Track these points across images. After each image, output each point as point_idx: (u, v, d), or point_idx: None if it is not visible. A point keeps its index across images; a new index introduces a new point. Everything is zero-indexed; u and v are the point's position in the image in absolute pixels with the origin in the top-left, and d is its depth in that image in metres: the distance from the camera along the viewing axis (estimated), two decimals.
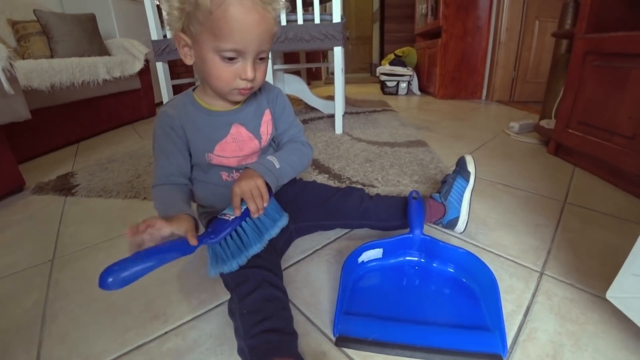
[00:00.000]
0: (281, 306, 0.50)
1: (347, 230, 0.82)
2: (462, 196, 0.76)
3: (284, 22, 1.51)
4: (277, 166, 0.60)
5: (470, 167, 0.77)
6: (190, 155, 0.63)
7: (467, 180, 0.77)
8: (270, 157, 0.61)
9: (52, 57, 1.93)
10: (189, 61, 0.56)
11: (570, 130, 1.19)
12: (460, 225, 0.76)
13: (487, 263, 0.58)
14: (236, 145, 0.63)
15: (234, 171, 0.66)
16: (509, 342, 0.50)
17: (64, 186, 1.18)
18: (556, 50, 1.63)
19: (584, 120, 1.14)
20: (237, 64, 0.52)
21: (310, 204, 0.75)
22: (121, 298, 0.63)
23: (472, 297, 0.58)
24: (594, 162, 1.12)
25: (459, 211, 0.76)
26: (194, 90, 0.64)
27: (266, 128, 0.67)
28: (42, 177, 1.30)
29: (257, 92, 0.67)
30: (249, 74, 0.53)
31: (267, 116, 0.68)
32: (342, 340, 0.51)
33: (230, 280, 0.54)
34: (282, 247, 0.72)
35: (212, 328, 0.55)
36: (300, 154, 0.67)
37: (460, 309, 0.56)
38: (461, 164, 0.79)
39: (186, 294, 0.63)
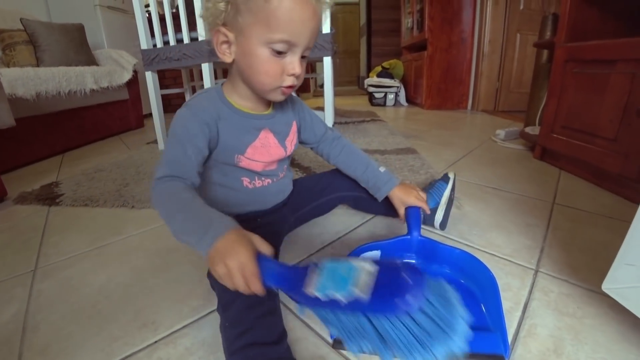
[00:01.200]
0: (264, 312, 0.45)
1: (342, 233, 0.82)
2: (442, 192, 0.80)
3: None
4: None
5: (451, 174, 0.85)
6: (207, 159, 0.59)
7: (447, 182, 0.82)
8: (382, 168, 0.75)
9: (38, 66, 1.90)
10: (228, 58, 0.54)
11: (555, 135, 1.23)
12: (439, 214, 0.77)
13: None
14: (265, 150, 0.62)
15: (256, 177, 0.65)
16: (509, 338, 0.49)
17: (48, 195, 1.14)
18: (538, 60, 1.69)
19: (568, 124, 1.17)
20: (285, 58, 0.51)
21: (306, 189, 0.79)
22: (108, 307, 0.61)
23: (471, 298, 0.57)
24: (579, 164, 1.15)
25: (437, 202, 0.78)
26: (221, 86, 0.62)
27: (292, 139, 0.68)
28: (25, 187, 1.26)
29: (288, 102, 0.67)
30: (297, 68, 0.51)
31: (294, 127, 0.69)
32: (340, 343, 0.49)
33: (215, 285, 0.52)
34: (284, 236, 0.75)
35: (205, 335, 0.53)
36: None
37: None
38: (444, 175, 0.86)
39: (177, 301, 0.61)
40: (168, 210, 0.46)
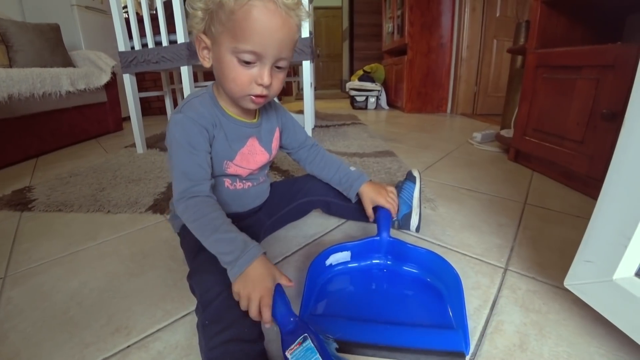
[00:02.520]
0: (244, 313, 0.46)
1: (318, 235, 0.83)
2: (412, 194, 0.81)
3: None
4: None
5: (415, 173, 0.85)
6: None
7: (414, 183, 0.83)
8: (353, 167, 0.78)
9: (10, 66, 1.84)
10: (207, 64, 0.56)
11: (527, 138, 1.27)
12: (414, 218, 0.79)
13: (453, 262, 0.60)
14: (251, 156, 0.64)
15: (237, 180, 0.67)
16: (476, 336, 0.51)
17: (20, 201, 1.10)
18: (512, 65, 1.75)
19: (539, 127, 1.22)
20: (254, 68, 0.52)
21: (280, 193, 0.80)
22: (80, 313, 0.60)
23: (438, 296, 0.59)
24: (549, 165, 1.20)
25: (410, 206, 0.80)
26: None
27: (275, 145, 0.70)
28: None
29: (272, 108, 0.69)
30: (265, 79, 0.51)
31: (277, 133, 0.71)
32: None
33: (196, 287, 0.52)
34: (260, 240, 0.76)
35: (178, 338, 0.53)
36: None
37: (426, 309, 0.57)
38: (408, 174, 0.87)
39: (150, 306, 0.60)
40: (202, 231, 0.51)
